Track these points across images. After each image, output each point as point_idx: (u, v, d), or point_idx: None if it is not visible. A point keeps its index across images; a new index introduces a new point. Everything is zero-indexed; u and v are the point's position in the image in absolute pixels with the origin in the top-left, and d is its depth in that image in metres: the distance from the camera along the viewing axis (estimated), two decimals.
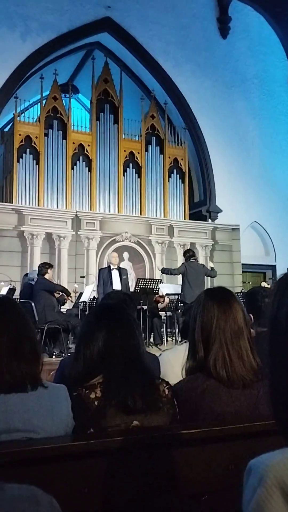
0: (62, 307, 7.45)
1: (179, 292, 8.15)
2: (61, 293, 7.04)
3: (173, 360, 2.39)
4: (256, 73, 13.15)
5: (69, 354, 6.24)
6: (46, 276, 6.70)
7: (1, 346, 1.33)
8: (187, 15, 12.42)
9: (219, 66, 12.73)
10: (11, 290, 7.61)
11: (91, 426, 1.41)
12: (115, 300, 2.51)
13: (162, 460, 1.30)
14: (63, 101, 11.13)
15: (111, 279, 7.76)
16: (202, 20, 12.64)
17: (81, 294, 8.30)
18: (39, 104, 11.21)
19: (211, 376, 1.55)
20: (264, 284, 9.75)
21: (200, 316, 1.68)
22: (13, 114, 10.80)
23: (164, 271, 8.67)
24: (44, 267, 6.76)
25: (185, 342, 2.40)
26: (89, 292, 7.92)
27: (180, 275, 8.19)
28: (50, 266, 6.93)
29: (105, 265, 9.86)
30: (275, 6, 13.19)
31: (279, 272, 12.13)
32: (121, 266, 8.61)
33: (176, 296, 8.43)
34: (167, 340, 8.74)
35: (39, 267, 6.94)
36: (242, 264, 12.10)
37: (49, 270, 6.74)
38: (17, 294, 7.60)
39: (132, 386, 1.45)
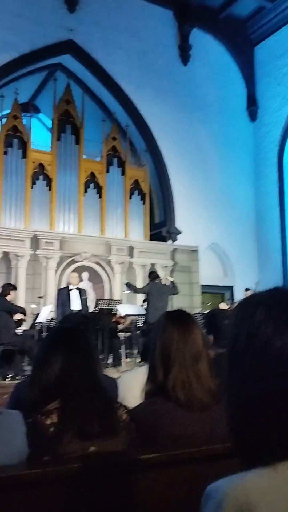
0: (18, 328, 7.28)
1: (139, 312, 8.14)
2: (19, 318, 6.89)
3: (132, 383, 2.36)
4: (216, 99, 13.55)
5: (24, 377, 6.08)
6: (8, 297, 6.55)
7: None
8: (149, 41, 12.72)
9: (180, 92, 13.05)
10: None
11: (47, 453, 1.37)
12: (73, 322, 2.48)
13: (121, 486, 1.27)
14: (24, 120, 11.07)
15: (70, 299, 7.66)
16: (164, 47, 12.97)
17: (38, 315, 8.13)
18: None
19: (170, 399, 1.55)
20: (222, 305, 9.88)
21: (159, 339, 1.68)
22: None
23: (129, 285, 8.65)
24: (8, 287, 6.64)
25: (145, 364, 2.39)
26: (47, 313, 7.78)
27: (145, 295, 8.20)
28: (14, 288, 6.81)
29: (64, 285, 9.74)
30: (234, 36, 13.75)
31: (237, 293, 12.41)
32: (80, 286, 8.53)
33: (136, 317, 8.41)
34: (126, 361, 8.67)
35: (2, 286, 6.80)
36: (201, 285, 12.24)
37: (12, 292, 6.62)
38: None
39: (89, 411, 1.43)
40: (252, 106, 13.92)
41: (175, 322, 1.72)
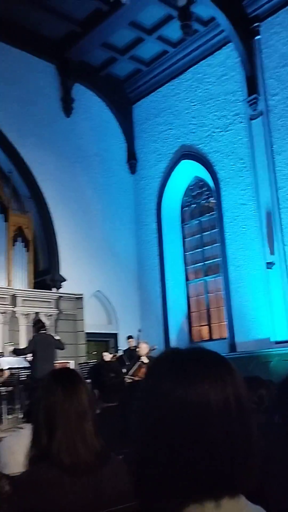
0: None
1: (22, 365, 7.80)
2: None
3: (15, 448, 2.26)
4: (98, 151, 14.03)
5: None
6: None
7: None
8: (32, 92, 12.89)
9: (62, 142, 13.30)
10: None
11: None
12: None
13: None
14: None
15: None
16: (47, 98, 13.22)
17: None
18: None
19: (54, 465, 1.51)
20: (106, 355, 9.86)
21: (44, 400, 1.65)
22: None
23: (16, 352, 8.19)
24: None
25: (29, 425, 2.30)
26: None
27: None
28: None
29: None
30: (113, 93, 14.54)
31: (121, 340, 12.51)
32: None
33: (19, 370, 8.04)
34: (7, 418, 8.17)
35: None
36: (86, 333, 12.16)
37: None
38: None
39: None
40: (132, 160, 14.65)
41: (60, 382, 1.70)
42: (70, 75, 13.45)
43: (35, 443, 1.60)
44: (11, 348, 8.81)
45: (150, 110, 14.49)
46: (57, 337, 8.69)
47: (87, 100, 14.08)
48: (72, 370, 1.88)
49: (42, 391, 1.70)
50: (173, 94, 13.88)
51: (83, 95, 13.94)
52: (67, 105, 13.56)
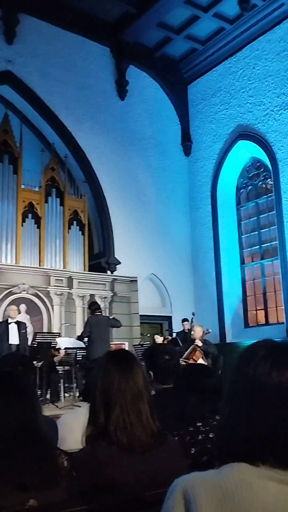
0: None
1: (79, 345, 8.00)
2: None
3: (72, 424, 2.31)
4: (152, 133, 13.96)
5: None
6: None
7: None
8: (87, 76, 12.97)
9: (117, 125, 13.33)
10: None
11: None
12: (12, 363, 2.41)
13: None
14: None
15: (8, 333, 7.41)
16: (101, 81, 13.27)
17: None
18: None
19: (111, 443, 1.53)
20: (158, 338, 9.90)
21: (100, 380, 1.67)
22: None
23: (79, 338, 8.34)
24: None
25: (86, 403, 2.35)
26: None
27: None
28: None
29: (1, 318, 9.43)
30: (168, 74, 14.35)
31: (175, 323, 12.54)
32: (19, 319, 8.28)
33: (75, 350, 8.25)
34: (64, 396, 8.46)
35: None
36: (140, 315, 12.28)
37: None
38: None
39: (29, 461, 1.38)
40: (186, 142, 14.46)
41: (116, 363, 1.71)
42: (125, 57, 13.40)
43: (93, 421, 1.63)
44: (77, 336, 8.94)
45: (205, 90, 14.19)
46: (111, 317, 8.72)
47: (142, 82, 13.99)
48: (127, 351, 1.88)
49: (98, 371, 1.72)
50: (229, 73, 13.51)
51: (138, 77, 13.86)
52: (122, 88, 13.54)
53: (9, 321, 7.65)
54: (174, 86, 14.50)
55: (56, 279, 11.19)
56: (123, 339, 10.45)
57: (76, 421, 2.19)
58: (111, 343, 7.87)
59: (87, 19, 12.68)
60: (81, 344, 8.05)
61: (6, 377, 1.64)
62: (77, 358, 8.09)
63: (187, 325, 10.53)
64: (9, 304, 9.70)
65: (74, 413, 2.47)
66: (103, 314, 8.33)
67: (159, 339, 9.58)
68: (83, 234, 12.16)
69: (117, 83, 13.54)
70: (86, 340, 8.04)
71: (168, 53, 14.06)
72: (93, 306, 8.15)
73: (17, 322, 7.70)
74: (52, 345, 8.31)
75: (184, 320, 10.89)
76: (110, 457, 1.49)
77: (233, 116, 13.35)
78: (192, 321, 10.52)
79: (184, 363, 6.46)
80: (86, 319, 9.10)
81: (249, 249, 13.49)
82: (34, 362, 6.69)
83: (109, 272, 12.37)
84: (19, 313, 9.23)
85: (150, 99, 14.14)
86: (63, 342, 8.45)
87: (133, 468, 1.48)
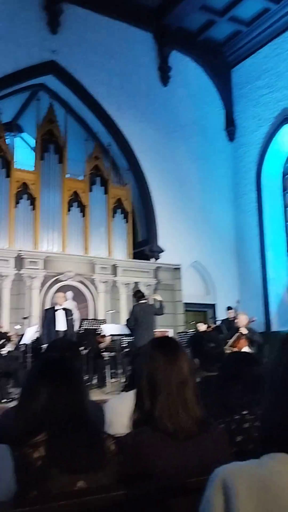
0: (2, 349, 7.19)
1: (123, 332, 8.09)
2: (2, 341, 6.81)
3: (119, 409, 2.36)
4: (195, 119, 13.78)
5: (9, 400, 6.00)
6: None
7: None
8: (130, 63, 12.94)
9: (160, 112, 13.25)
10: None
11: (34, 488, 1.36)
12: (60, 349, 2.47)
13: None
14: (7, 139, 11.09)
15: (55, 320, 7.60)
16: (144, 68, 13.20)
17: (22, 336, 8.04)
18: None
19: (157, 429, 1.55)
20: (200, 325, 9.85)
21: (146, 367, 1.69)
22: None
23: (127, 326, 8.35)
24: None
25: (132, 389, 2.38)
26: (31, 334, 7.70)
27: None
28: None
29: (48, 305, 9.69)
30: (211, 58, 14.08)
31: (219, 311, 12.45)
32: (65, 306, 8.47)
33: (121, 337, 8.36)
34: (110, 382, 8.60)
35: None
36: (184, 303, 12.27)
37: None
38: None
39: (77, 444, 1.42)
40: (230, 127, 14.20)
41: (162, 350, 1.72)
42: (167, 43, 13.26)
43: (139, 407, 1.66)
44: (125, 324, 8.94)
45: (250, 73, 13.85)
46: (159, 298, 8.47)
47: (184, 67, 13.81)
48: (172, 338, 1.89)
49: (144, 358, 1.74)
50: (275, 54, 13.10)
51: (180, 63, 13.69)
52: (164, 74, 13.43)
53: (56, 308, 7.83)
54: (217, 70, 14.23)
55: (101, 267, 11.35)
56: (167, 327, 10.49)
57: (123, 406, 2.23)
58: (155, 330, 7.91)
59: (129, 5, 12.61)
60: (126, 331, 8.14)
61: (54, 362, 1.69)
62: (122, 345, 8.20)
63: (232, 313, 10.43)
64: (56, 291, 9.93)
65: (121, 398, 2.52)
66: (148, 302, 8.35)
67: (202, 327, 9.55)
68: (127, 222, 12.25)
69: (159, 69, 13.44)
70: (132, 328, 8.10)
71: (211, 36, 13.78)
72: (138, 294, 8.20)
73: (64, 309, 7.87)
74: (97, 332, 8.45)
75: (229, 308, 10.79)
76: (154, 443, 1.51)
77: (278, 99, 12.97)
78: (236, 309, 10.41)
79: (229, 351, 6.42)
80: (130, 306, 9.18)
81: None
82: (81, 348, 6.84)
83: (152, 260, 12.41)
84: (66, 300, 9.44)
85: (193, 84, 13.95)
86: (109, 329, 8.57)
87: (177, 455, 1.50)
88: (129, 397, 1.95)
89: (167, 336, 1.89)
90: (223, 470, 0.84)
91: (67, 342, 2.74)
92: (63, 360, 1.73)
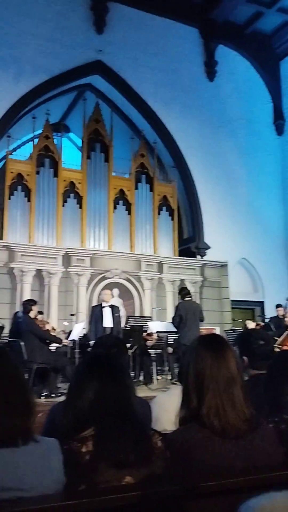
0: (51, 345, 7.34)
1: (169, 329, 8.07)
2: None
3: (166, 405, 2.35)
4: (243, 114, 13.55)
5: (58, 395, 6.13)
6: (31, 314, 6.57)
7: None
8: (176, 59, 12.87)
9: (206, 107, 13.12)
10: (0, 329, 7.51)
11: (82, 482, 1.37)
12: (107, 346, 2.50)
13: None
14: (55, 140, 11.33)
15: (102, 316, 7.69)
16: (190, 64, 13.10)
17: (70, 332, 8.20)
18: (31, 142, 11.40)
19: (204, 427, 1.53)
20: (249, 322, 9.68)
21: (193, 364, 1.67)
22: (6, 152, 10.95)
23: (173, 324, 8.35)
24: (29, 304, 6.64)
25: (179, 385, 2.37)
26: (79, 330, 7.83)
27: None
28: (34, 302, 6.82)
29: (95, 302, 9.83)
30: (259, 51, 13.79)
31: (268, 308, 12.19)
32: (112, 303, 8.55)
33: (167, 334, 8.34)
34: (157, 379, 8.62)
35: (23, 304, 6.81)
36: (231, 300, 12.11)
37: (33, 307, 6.64)
38: (6, 332, 7.50)
39: (124, 439, 1.43)
40: (279, 120, 13.86)
41: (209, 347, 1.70)
42: (214, 37, 13.11)
43: (186, 404, 1.64)
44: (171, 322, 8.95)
45: None
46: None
47: (231, 61, 13.59)
48: (220, 336, 1.86)
49: (191, 355, 1.72)
50: None
51: (227, 57, 13.49)
52: (211, 69, 13.29)
53: (103, 305, 7.92)
54: (265, 62, 13.92)
55: (147, 264, 11.39)
56: (213, 324, 10.39)
57: (170, 402, 2.23)
58: (201, 328, 7.84)
59: (175, 1, 12.55)
60: (172, 328, 8.12)
61: (101, 358, 1.70)
62: (168, 342, 8.19)
63: (281, 311, 10.20)
64: (103, 289, 10.05)
65: (168, 394, 2.51)
66: (193, 300, 8.28)
67: (251, 325, 9.38)
68: (172, 219, 12.22)
69: (205, 64, 13.31)
70: (177, 325, 8.06)
71: (259, 28, 13.50)
72: (183, 292, 8.15)
73: (111, 306, 7.95)
74: (144, 329, 8.48)
75: (278, 305, 10.55)
76: (202, 440, 1.49)
77: None
78: (286, 307, 10.17)
79: (279, 349, 6.28)
80: (176, 303, 9.14)
81: None
82: (128, 345, 6.88)
83: (198, 257, 12.32)
84: (113, 297, 9.53)
85: (240, 78, 13.71)
86: (155, 326, 8.58)
87: (226, 452, 1.48)
88: (177, 393, 1.94)
89: (214, 334, 1.86)
90: (258, 509, 0.81)
91: (114, 338, 2.76)
92: (109, 356, 1.75)
